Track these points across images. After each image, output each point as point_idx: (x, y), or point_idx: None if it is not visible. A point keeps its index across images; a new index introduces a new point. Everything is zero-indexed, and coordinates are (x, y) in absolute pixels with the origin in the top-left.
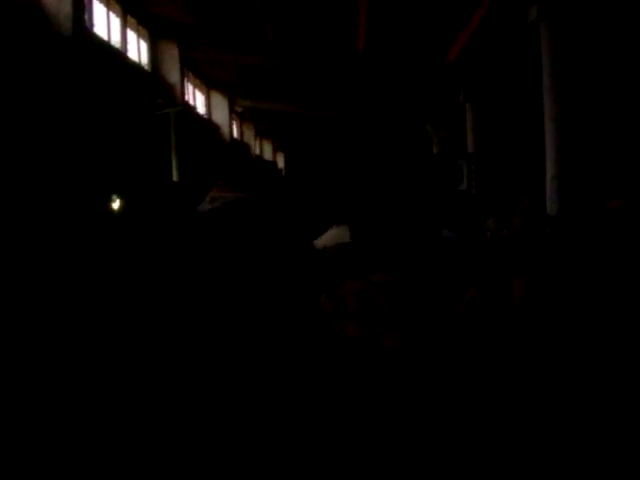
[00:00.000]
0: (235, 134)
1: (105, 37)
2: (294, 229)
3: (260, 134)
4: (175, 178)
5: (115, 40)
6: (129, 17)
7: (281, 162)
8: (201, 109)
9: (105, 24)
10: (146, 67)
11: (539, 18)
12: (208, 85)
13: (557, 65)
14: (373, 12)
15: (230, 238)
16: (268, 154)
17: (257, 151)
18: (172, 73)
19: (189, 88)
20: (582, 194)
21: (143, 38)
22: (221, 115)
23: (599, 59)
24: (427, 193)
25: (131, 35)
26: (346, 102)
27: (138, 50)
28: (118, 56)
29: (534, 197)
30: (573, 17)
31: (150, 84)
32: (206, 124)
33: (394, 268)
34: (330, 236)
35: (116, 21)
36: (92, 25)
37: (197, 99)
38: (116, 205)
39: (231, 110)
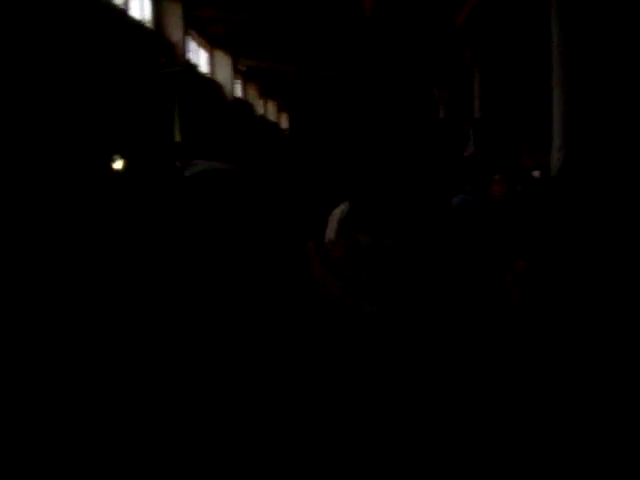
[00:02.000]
0: (239, 93)
1: None
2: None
3: (264, 94)
4: (177, 138)
5: None
6: None
7: (285, 122)
8: (204, 68)
9: None
10: (149, 25)
11: None
12: (212, 44)
13: (566, 32)
14: None
15: (204, 205)
16: (272, 114)
17: (261, 111)
18: (175, 32)
19: (192, 47)
20: (587, 166)
21: None
22: (224, 74)
23: (611, 26)
24: (433, 157)
25: None
26: (353, 63)
27: (141, 7)
28: (121, 14)
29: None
30: None
31: (153, 43)
32: (209, 83)
33: (386, 232)
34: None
35: None
36: None
37: (200, 58)
38: (118, 165)
39: (234, 69)
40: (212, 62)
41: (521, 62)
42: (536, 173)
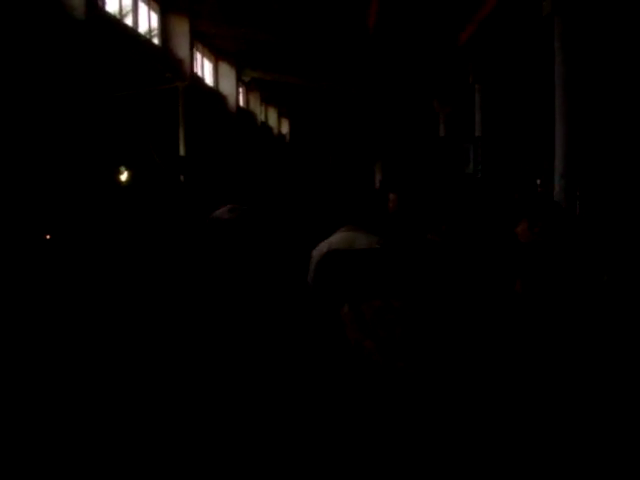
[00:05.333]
0: (241, 103)
1: (116, 9)
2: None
3: (265, 101)
4: (182, 152)
5: (126, 10)
6: None
7: (285, 128)
8: (209, 79)
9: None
10: (156, 41)
11: (553, 12)
12: (216, 55)
13: (569, 62)
14: None
15: (246, 243)
16: (273, 120)
17: (262, 117)
18: (182, 47)
19: (198, 58)
20: (589, 194)
21: (154, 11)
22: (228, 85)
23: (612, 56)
24: (435, 176)
25: (142, 8)
26: (354, 76)
27: (149, 22)
28: (129, 33)
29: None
30: (587, 13)
31: (159, 58)
32: (213, 94)
33: (410, 292)
34: (341, 239)
35: None
36: (104, 2)
37: (205, 69)
38: (123, 177)
39: (238, 79)
40: (216, 73)
41: (523, 82)
42: (538, 181)
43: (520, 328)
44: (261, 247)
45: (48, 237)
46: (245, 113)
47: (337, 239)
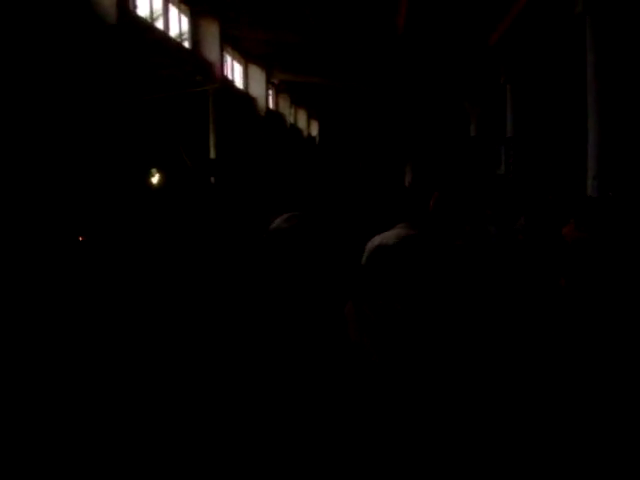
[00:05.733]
0: (271, 105)
1: (147, 13)
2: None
3: (295, 102)
4: (212, 154)
5: (157, 13)
6: None
7: (315, 130)
8: (239, 82)
9: (148, 2)
10: (187, 44)
11: (585, 11)
12: (246, 58)
13: (601, 61)
14: None
15: (306, 250)
16: (302, 122)
17: (291, 120)
18: (212, 50)
19: (228, 61)
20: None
21: (184, 14)
22: (258, 87)
23: None
24: (465, 176)
25: (173, 11)
26: (384, 77)
27: (179, 26)
28: (160, 36)
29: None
30: (620, 11)
31: (190, 61)
32: (243, 97)
33: (418, 296)
34: (394, 235)
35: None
36: (135, 6)
37: (235, 72)
38: (155, 179)
39: (268, 82)
40: (246, 75)
41: (555, 82)
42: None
43: (565, 321)
44: (321, 253)
45: (81, 239)
46: (275, 115)
47: (390, 234)
